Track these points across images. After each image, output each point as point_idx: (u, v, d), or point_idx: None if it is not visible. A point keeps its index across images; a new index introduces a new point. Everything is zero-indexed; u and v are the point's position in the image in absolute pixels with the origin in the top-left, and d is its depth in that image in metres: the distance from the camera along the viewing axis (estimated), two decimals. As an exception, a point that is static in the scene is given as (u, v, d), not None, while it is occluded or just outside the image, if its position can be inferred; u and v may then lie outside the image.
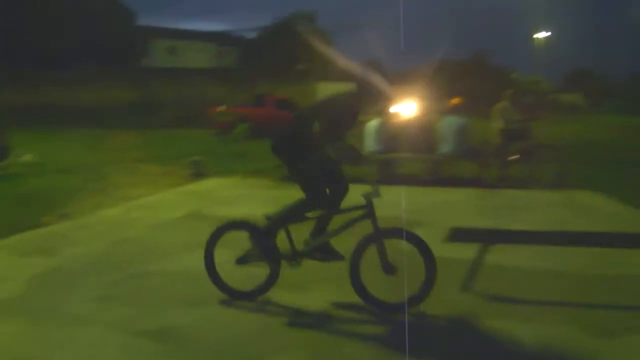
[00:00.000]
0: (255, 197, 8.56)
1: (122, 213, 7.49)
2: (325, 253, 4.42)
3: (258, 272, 4.33)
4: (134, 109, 28.60)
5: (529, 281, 4.76)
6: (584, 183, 9.34)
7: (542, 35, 51.74)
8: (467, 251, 4.53)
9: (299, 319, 4.05)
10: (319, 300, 4.32)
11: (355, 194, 4.27)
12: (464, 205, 7.98)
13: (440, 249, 4.26)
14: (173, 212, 7.43)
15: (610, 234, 4.72)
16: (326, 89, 38.30)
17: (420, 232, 4.14)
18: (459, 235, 4.45)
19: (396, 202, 8.02)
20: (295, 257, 4.36)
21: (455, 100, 10.64)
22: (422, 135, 10.03)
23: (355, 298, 4.11)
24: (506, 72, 47.87)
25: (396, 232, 4.18)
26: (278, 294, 4.36)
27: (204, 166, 10.79)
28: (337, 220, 4.39)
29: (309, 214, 4.42)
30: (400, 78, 29.08)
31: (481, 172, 9.68)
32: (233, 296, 4.39)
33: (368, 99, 4.47)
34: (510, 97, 10.14)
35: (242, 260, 4.42)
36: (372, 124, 10.26)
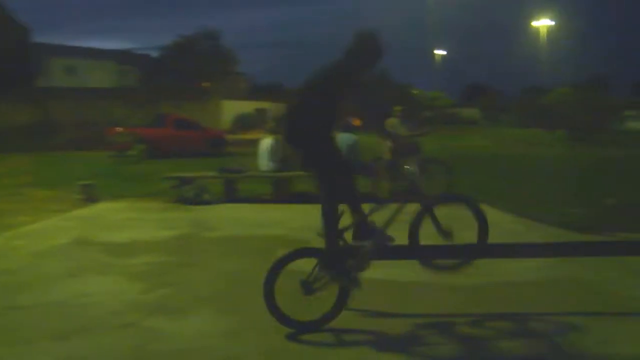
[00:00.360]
0: (145, 221, 8.34)
1: (0, 243, 7.09)
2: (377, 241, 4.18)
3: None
4: (30, 131, 27.23)
5: (401, 294, 4.93)
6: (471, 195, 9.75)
7: (440, 52, 54.15)
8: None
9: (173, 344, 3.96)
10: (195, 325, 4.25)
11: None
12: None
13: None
14: (56, 240, 7.09)
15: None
16: (231, 108, 38.32)
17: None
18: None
19: (282, 221, 8.12)
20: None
21: (356, 121, 10.84)
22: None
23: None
24: (407, 88, 49.60)
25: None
26: (150, 320, 4.25)
27: (95, 190, 10.41)
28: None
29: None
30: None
31: (374, 187, 9.91)
32: (298, 329, 4.05)
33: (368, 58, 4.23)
34: (400, 114, 10.49)
35: (309, 291, 4.08)
36: (266, 141, 10.29)
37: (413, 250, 4.25)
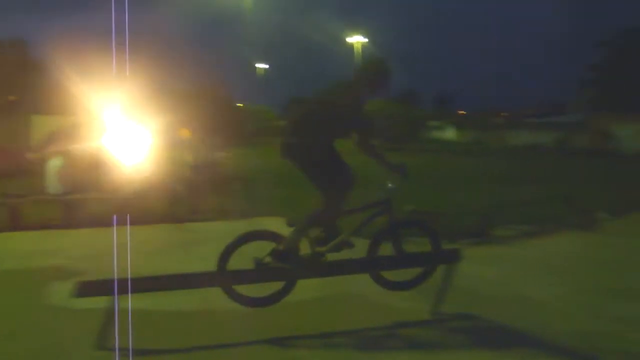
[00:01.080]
0: None
1: None
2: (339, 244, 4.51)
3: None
4: None
5: (180, 325, 4.71)
6: (271, 210, 9.82)
7: (262, 66, 54.97)
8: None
9: None
10: None
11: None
12: (143, 246, 7.74)
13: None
14: None
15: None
16: (41, 123, 35.37)
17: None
18: (86, 289, 4.15)
19: (64, 249, 7.52)
20: (316, 260, 4.46)
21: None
22: (108, 172, 9.59)
23: None
24: (233, 102, 49.42)
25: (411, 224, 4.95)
26: None
27: None
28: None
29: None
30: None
31: (174, 206, 9.58)
32: (247, 304, 4.39)
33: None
34: (199, 134, 10.36)
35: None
36: (54, 163, 9.52)
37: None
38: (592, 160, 22.09)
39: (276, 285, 4.58)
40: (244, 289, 4.50)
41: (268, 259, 4.45)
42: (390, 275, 4.88)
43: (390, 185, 4.54)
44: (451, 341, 4.49)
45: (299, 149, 4.38)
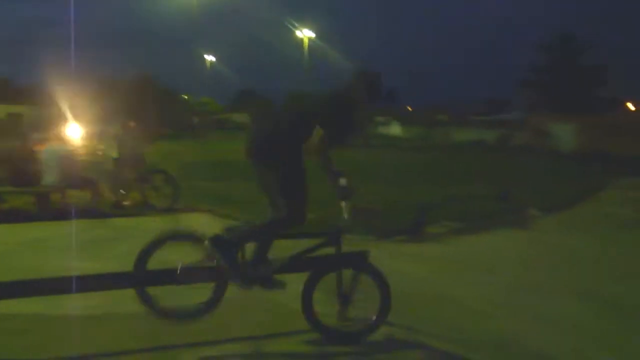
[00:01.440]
0: None
1: None
2: (268, 280, 4.07)
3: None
4: None
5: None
6: (199, 204, 9.52)
7: (210, 58, 54.17)
8: None
9: None
10: None
11: None
12: (56, 242, 7.30)
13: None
14: None
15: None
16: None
17: None
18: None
19: None
20: (246, 279, 3.97)
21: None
22: (25, 165, 9.07)
23: None
24: (176, 94, 48.57)
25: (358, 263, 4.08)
26: None
27: None
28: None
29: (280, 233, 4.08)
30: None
31: (95, 201, 9.14)
32: (167, 317, 3.96)
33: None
34: (124, 126, 9.94)
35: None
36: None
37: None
38: (530, 157, 22.48)
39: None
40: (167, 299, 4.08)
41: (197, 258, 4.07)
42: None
43: (345, 215, 4.03)
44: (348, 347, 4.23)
45: (274, 150, 4.02)
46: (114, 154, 9.60)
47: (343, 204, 4.03)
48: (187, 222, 8.38)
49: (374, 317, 4.18)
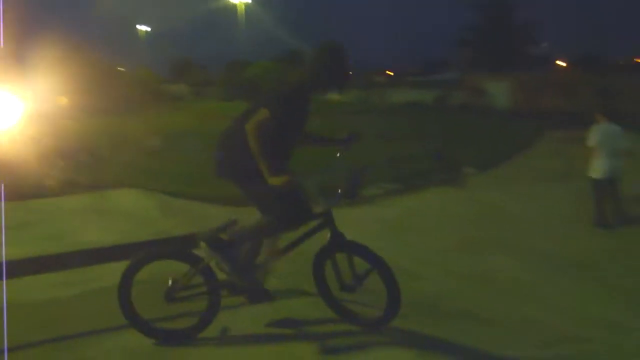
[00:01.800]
0: None
1: None
2: (256, 291, 3.57)
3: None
4: None
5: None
6: (129, 179, 9.16)
7: (143, 28, 52.45)
8: None
9: None
10: None
11: None
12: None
13: None
14: None
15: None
16: None
17: None
18: None
19: None
20: (235, 286, 3.52)
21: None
22: None
23: None
24: (112, 65, 46.82)
25: (358, 248, 3.52)
26: None
27: None
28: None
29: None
30: None
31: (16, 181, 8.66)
32: (164, 339, 3.47)
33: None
34: (56, 102, 9.45)
35: (172, 297, 3.49)
36: None
37: None
38: (466, 116, 22.76)
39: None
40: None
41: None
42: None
43: (333, 194, 3.55)
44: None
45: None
46: (35, 131, 9.10)
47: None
48: (115, 199, 8.03)
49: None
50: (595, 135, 7.26)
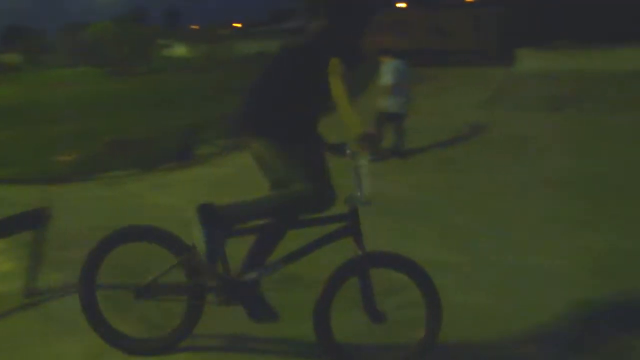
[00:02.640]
0: None
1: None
2: (255, 305, 2.88)
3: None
4: None
5: None
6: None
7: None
8: None
9: None
10: None
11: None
12: None
13: None
14: None
15: None
16: None
17: None
18: None
19: None
20: (227, 289, 2.86)
21: None
22: None
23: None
24: None
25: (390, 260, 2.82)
26: None
27: None
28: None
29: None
30: None
31: None
32: (134, 351, 2.98)
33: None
34: None
35: (144, 293, 2.97)
36: None
37: None
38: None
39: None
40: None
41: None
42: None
43: (357, 193, 2.80)
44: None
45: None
46: None
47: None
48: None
49: None
50: (388, 73, 8.15)
